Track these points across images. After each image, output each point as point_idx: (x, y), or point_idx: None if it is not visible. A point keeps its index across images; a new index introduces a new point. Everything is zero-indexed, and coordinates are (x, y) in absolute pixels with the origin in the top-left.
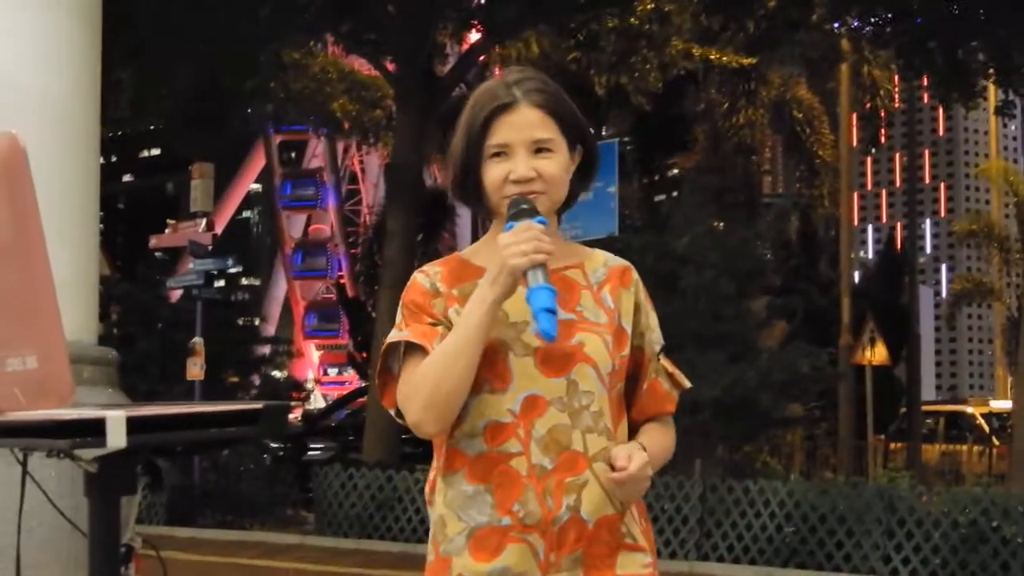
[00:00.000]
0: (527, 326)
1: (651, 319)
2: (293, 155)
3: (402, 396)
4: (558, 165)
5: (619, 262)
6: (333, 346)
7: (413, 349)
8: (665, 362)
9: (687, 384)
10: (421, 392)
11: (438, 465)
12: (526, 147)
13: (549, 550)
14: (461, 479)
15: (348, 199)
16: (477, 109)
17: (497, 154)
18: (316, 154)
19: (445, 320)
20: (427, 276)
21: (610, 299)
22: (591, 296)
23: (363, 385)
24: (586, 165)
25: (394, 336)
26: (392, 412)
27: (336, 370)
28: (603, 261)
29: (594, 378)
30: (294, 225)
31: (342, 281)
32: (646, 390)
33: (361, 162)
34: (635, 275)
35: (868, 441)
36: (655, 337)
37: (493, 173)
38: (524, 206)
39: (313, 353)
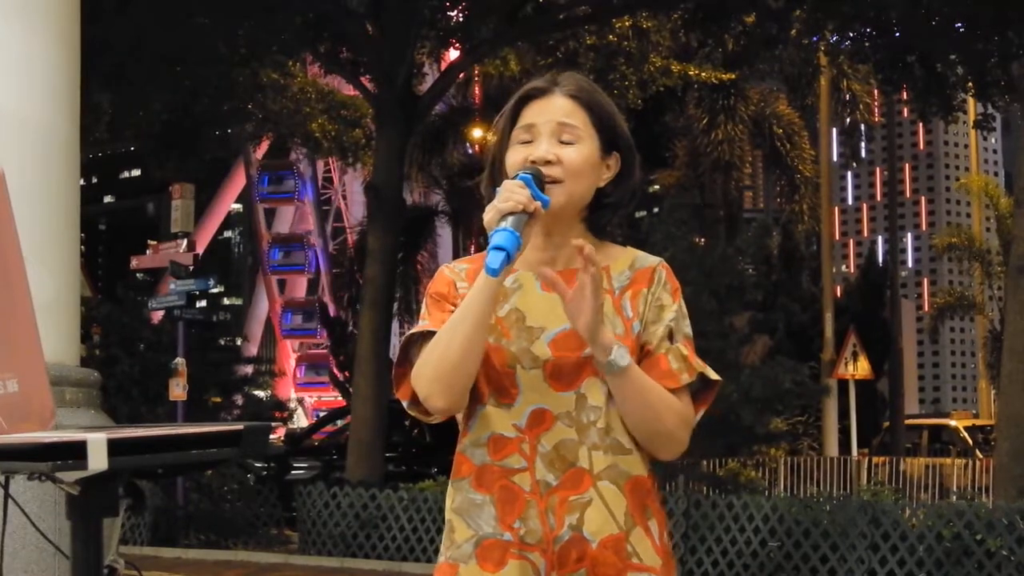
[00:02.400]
0: (543, 332)
1: (664, 312)
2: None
3: (413, 373)
4: (580, 155)
5: (648, 262)
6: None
7: (430, 337)
8: (683, 347)
9: (709, 374)
10: (429, 364)
11: (452, 469)
12: (551, 131)
13: (550, 569)
14: (468, 486)
15: (335, 237)
16: (515, 96)
17: (523, 142)
18: (302, 210)
19: None
20: (452, 271)
21: (629, 307)
22: (611, 302)
23: (346, 404)
24: (622, 176)
25: (416, 328)
26: (406, 404)
27: (314, 371)
28: (630, 263)
29: (604, 393)
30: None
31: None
32: (649, 363)
33: (344, 197)
34: (660, 272)
35: (852, 455)
36: (660, 325)
37: (515, 156)
38: (523, 171)
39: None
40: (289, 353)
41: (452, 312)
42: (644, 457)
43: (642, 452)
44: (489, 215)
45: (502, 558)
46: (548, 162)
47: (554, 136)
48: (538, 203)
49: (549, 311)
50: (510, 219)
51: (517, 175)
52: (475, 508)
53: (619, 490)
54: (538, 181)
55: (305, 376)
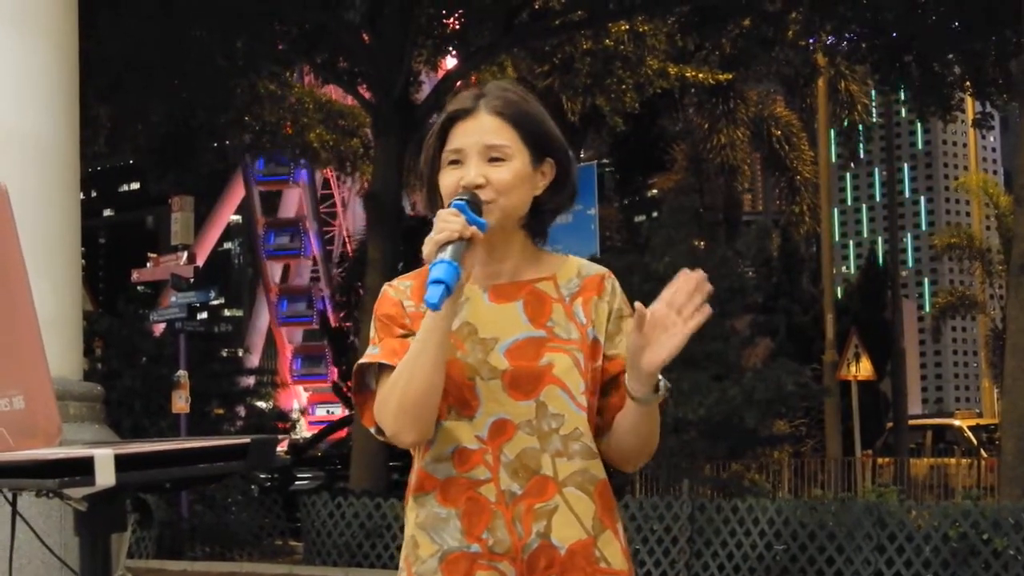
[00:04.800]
0: (496, 343)
1: (626, 324)
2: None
3: (376, 409)
4: (511, 172)
5: (594, 270)
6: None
7: (386, 368)
8: None
9: (667, 385)
10: (391, 400)
11: (410, 485)
12: (479, 153)
13: None
14: (433, 501)
15: (339, 264)
16: (440, 117)
17: (453, 162)
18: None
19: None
20: (397, 290)
21: (582, 313)
22: (562, 310)
23: (349, 414)
24: (558, 181)
25: (365, 357)
26: (372, 430)
27: (325, 410)
28: (577, 271)
29: (565, 400)
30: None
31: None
32: (623, 379)
33: (344, 209)
34: (610, 282)
35: (856, 457)
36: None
37: (447, 180)
38: (457, 199)
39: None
40: (285, 344)
41: (402, 336)
42: (602, 462)
43: (600, 457)
44: (427, 248)
45: (469, 570)
46: (478, 186)
47: (482, 157)
48: (474, 228)
49: (499, 322)
50: (448, 249)
51: (451, 203)
52: (440, 522)
53: (587, 495)
54: (474, 205)
55: (302, 368)
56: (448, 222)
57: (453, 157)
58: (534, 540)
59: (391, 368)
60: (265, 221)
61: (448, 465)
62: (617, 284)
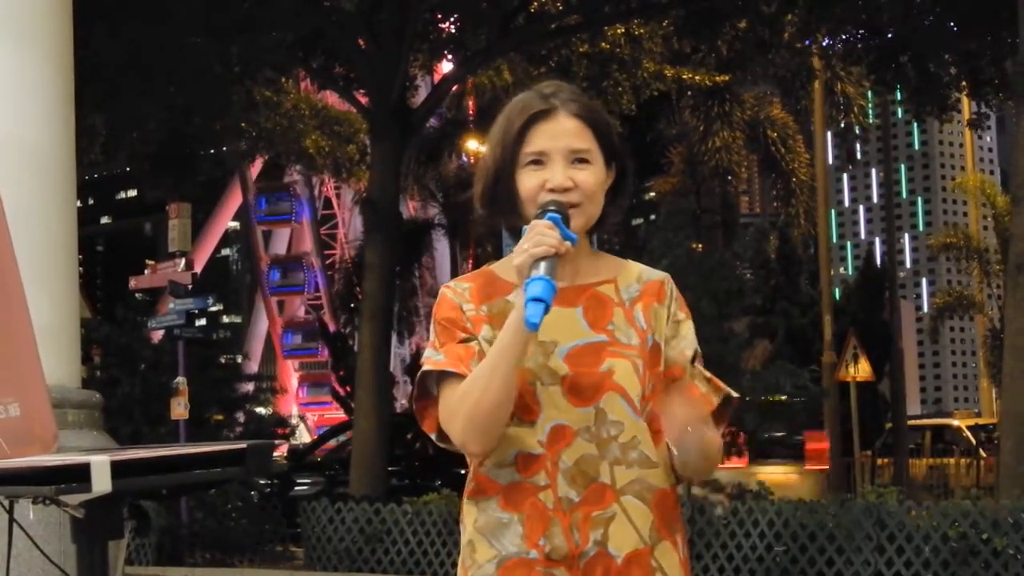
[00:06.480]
0: (555, 347)
1: (683, 327)
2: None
3: (444, 418)
4: (595, 177)
5: (655, 275)
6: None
7: (450, 375)
8: (700, 368)
9: (730, 391)
10: (462, 411)
11: (467, 489)
12: (563, 156)
13: None
14: (495, 506)
15: (345, 279)
16: (513, 117)
17: (534, 162)
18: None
19: (478, 336)
20: (455, 293)
21: (642, 318)
22: (623, 314)
23: (348, 419)
24: (617, 185)
25: (429, 363)
26: (433, 436)
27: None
28: (637, 275)
29: (624, 407)
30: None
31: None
32: (681, 387)
33: (344, 222)
34: (670, 287)
35: (855, 458)
36: (685, 344)
37: (529, 181)
38: (548, 207)
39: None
40: (291, 372)
41: (464, 340)
42: (668, 471)
43: (666, 466)
44: (520, 259)
45: None
46: (567, 188)
47: (566, 160)
48: (567, 243)
49: (558, 326)
50: (543, 265)
51: (545, 214)
52: (500, 527)
53: (645, 504)
54: (566, 219)
55: (308, 395)
56: (545, 236)
57: (534, 158)
58: (591, 548)
59: (455, 374)
60: (269, 258)
61: (511, 470)
62: (675, 287)
